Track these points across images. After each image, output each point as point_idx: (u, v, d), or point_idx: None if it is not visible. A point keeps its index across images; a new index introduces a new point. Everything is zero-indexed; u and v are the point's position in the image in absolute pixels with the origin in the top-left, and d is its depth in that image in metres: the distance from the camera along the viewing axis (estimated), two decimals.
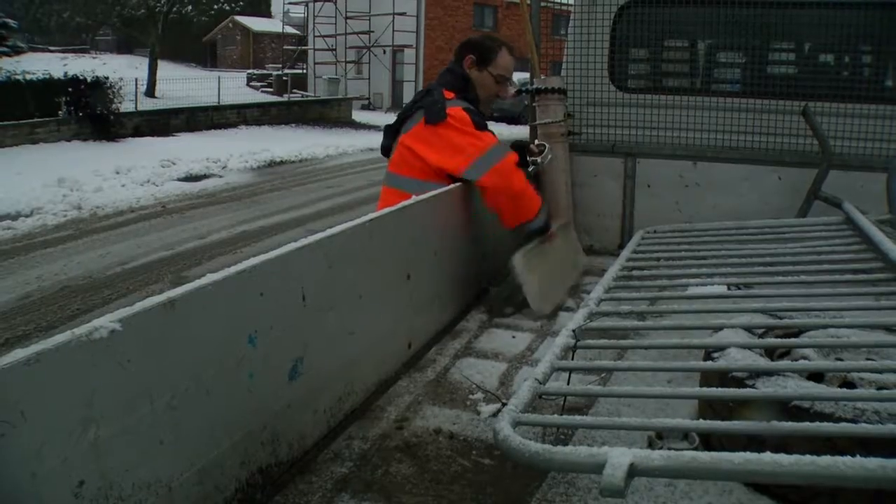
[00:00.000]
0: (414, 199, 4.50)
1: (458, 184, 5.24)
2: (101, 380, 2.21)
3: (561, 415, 3.41)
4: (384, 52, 36.16)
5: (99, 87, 21.24)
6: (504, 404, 2.47)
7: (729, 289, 3.98)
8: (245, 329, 2.89)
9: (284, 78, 36.15)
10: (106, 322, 2.23)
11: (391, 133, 4.37)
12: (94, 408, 2.19)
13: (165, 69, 34.70)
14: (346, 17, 35.57)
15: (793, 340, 3.17)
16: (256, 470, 2.99)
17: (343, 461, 3.31)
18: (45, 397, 2.04)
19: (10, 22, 26.47)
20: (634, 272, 4.29)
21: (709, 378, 3.16)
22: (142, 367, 2.37)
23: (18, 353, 1.99)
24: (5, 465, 1.93)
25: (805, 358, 3.07)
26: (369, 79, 36.67)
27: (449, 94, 4.01)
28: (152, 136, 22.41)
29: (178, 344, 2.54)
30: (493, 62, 3.97)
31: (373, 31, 35.50)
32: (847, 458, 1.79)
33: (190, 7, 49.10)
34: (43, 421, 2.02)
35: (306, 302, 3.30)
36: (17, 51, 25.89)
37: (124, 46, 53.91)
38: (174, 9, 35.09)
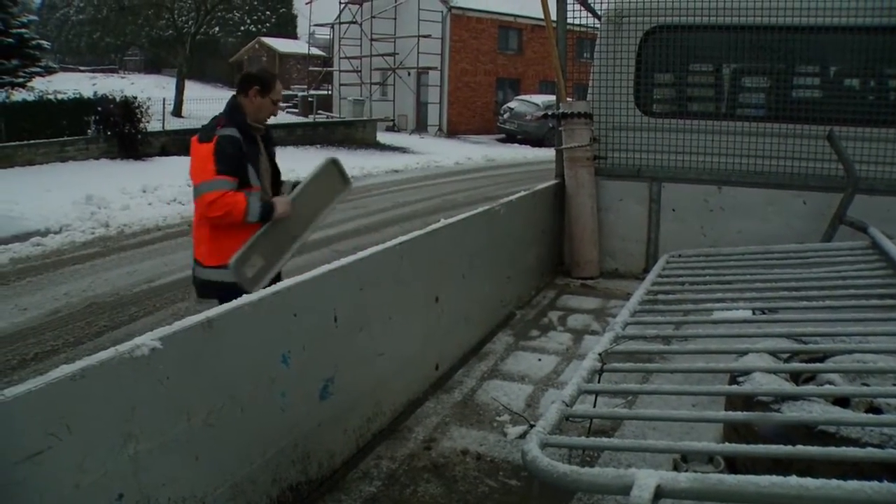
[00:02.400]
0: (442, 222, 4.57)
1: (484, 209, 5.33)
2: (141, 396, 2.28)
3: (587, 437, 3.44)
4: (409, 73, 36.27)
5: (127, 107, 21.43)
6: (531, 426, 2.51)
7: (754, 313, 3.99)
8: (279, 349, 2.95)
9: (310, 99, 36.34)
10: (147, 340, 2.30)
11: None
12: (134, 423, 2.26)
13: (192, 89, 34.91)
14: (372, 39, 35.75)
15: (818, 365, 3.18)
16: (287, 487, 3.04)
17: (372, 480, 3.36)
18: (89, 411, 2.11)
19: (44, 43, 26.84)
20: (659, 296, 4.30)
21: (734, 402, 3.18)
22: (180, 384, 2.44)
23: (65, 369, 2.06)
24: (52, 475, 1.99)
25: (831, 383, 3.08)
26: (394, 100, 36.75)
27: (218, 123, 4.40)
28: (179, 155, 22.47)
29: (215, 362, 2.60)
30: (272, 90, 4.40)
31: (398, 53, 35.63)
32: (874, 483, 1.80)
33: (217, 28, 49.60)
34: (86, 434, 2.09)
35: (338, 323, 3.36)
36: (49, 71, 26.22)
37: (152, 66, 54.45)
38: (202, 30, 35.38)
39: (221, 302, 3.17)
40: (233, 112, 4.41)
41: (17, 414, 1.90)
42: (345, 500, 3.18)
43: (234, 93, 4.50)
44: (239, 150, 4.26)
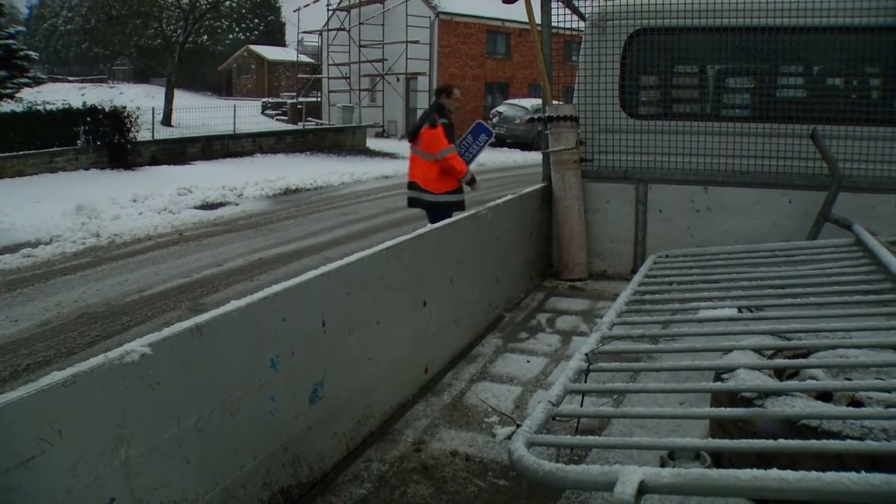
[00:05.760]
0: (429, 227, 4.62)
1: (471, 212, 5.38)
2: (131, 401, 2.31)
3: (574, 436, 3.48)
4: (398, 79, 36.27)
5: (116, 117, 21.36)
6: (519, 426, 2.54)
7: (740, 311, 4.03)
8: (267, 353, 2.98)
9: (299, 106, 36.17)
10: (137, 346, 2.33)
11: (411, 131, 7.87)
12: (125, 428, 2.28)
13: (181, 98, 34.77)
14: (360, 46, 35.73)
15: (801, 361, 3.22)
16: (278, 490, 3.06)
17: (362, 482, 3.39)
18: (80, 417, 2.13)
19: (32, 53, 26.71)
20: (647, 296, 4.35)
21: (719, 399, 3.22)
22: (170, 389, 2.46)
23: (56, 375, 2.09)
24: (44, 480, 2.02)
25: (814, 378, 3.12)
26: (383, 106, 36.75)
27: (436, 116, 7.53)
28: (169, 164, 22.46)
29: (205, 367, 2.63)
30: (454, 94, 7.72)
31: (386, 59, 35.64)
32: (852, 475, 1.83)
33: (206, 37, 49.48)
34: (78, 440, 2.12)
35: (326, 327, 3.39)
36: (37, 81, 26.15)
37: (141, 76, 54.28)
38: (190, 38, 35.29)
39: (435, 215, 6.98)
40: (441, 109, 7.58)
41: (10, 420, 1.93)
42: (335, 502, 3.21)
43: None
44: (450, 130, 7.46)
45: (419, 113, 37.27)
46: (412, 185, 7.80)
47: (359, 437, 3.71)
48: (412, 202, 7.95)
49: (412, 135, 7.79)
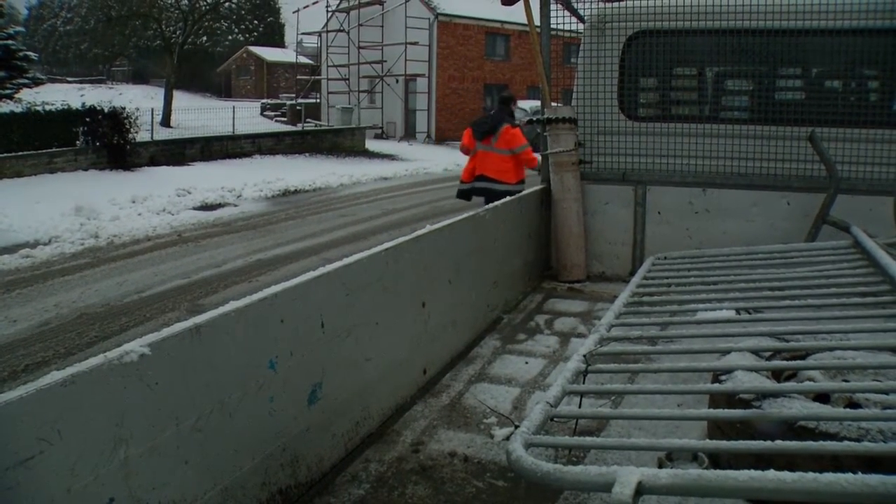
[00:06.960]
0: (428, 228, 4.62)
1: (470, 214, 5.38)
2: (130, 401, 2.32)
3: (572, 437, 3.48)
4: (397, 81, 36.35)
5: (115, 118, 21.37)
6: (517, 427, 2.54)
7: (738, 313, 4.03)
8: (266, 354, 2.99)
9: (298, 107, 36.10)
10: (136, 346, 2.34)
11: (484, 131, 8.65)
12: (124, 428, 2.29)
13: (181, 99, 34.75)
14: (359, 47, 35.80)
15: (799, 363, 3.22)
16: (276, 491, 3.07)
17: (360, 483, 3.39)
18: (80, 417, 2.14)
19: (31, 54, 26.78)
20: (645, 298, 4.34)
21: (717, 400, 3.22)
22: (169, 389, 2.47)
23: (55, 375, 2.09)
24: (43, 480, 2.02)
25: (811, 380, 3.12)
26: (382, 108, 36.83)
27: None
28: (168, 165, 22.48)
29: (203, 368, 2.64)
30: (516, 103, 9.15)
31: (385, 61, 35.70)
32: (849, 475, 1.84)
33: (205, 38, 49.52)
34: (77, 439, 2.12)
35: (325, 329, 3.40)
36: (36, 82, 26.24)
37: (140, 77, 54.26)
38: (189, 40, 35.33)
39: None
40: (512, 115, 8.88)
41: (9, 420, 1.93)
42: (334, 502, 3.21)
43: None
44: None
45: (418, 114, 37.64)
46: (482, 178, 8.63)
47: (357, 437, 3.72)
48: (478, 192, 8.74)
49: (485, 134, 8.62)
